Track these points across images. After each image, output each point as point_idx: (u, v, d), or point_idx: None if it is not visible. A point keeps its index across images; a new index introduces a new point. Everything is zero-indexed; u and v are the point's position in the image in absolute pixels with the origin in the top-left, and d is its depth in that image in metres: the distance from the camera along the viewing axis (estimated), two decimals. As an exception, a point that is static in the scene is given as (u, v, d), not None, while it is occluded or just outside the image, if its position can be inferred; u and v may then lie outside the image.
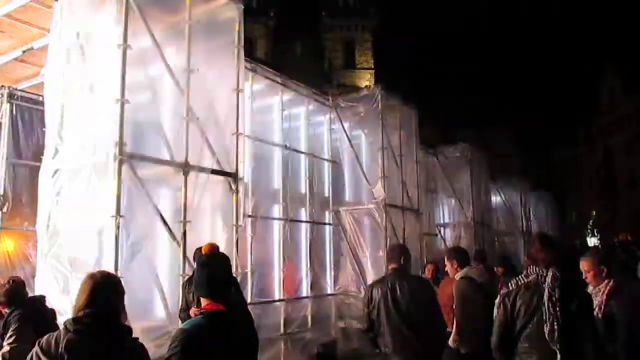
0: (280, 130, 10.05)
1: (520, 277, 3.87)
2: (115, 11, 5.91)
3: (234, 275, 4.77)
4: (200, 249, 5.67)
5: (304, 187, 10.58)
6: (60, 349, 2.52)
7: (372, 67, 66.69)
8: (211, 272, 2.90)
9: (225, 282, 2.93)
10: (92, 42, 6.10)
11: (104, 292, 2.71)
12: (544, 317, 3.55)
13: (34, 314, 4.38)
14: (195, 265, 5.81)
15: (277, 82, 10.12)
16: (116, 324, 2.71)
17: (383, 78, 59.05)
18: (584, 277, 4.44)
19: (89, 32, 6.14)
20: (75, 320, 2.63)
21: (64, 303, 5.35)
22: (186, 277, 6.02)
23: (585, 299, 3.88)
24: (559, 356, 3.50)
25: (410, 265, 5.18)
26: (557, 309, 3.52)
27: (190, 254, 6.00)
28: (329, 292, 10.61)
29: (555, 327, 3.50)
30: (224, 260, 3.09)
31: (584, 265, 4.47)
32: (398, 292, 4.73)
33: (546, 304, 3.55)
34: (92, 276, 2.81)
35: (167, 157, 6.36)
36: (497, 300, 3.89)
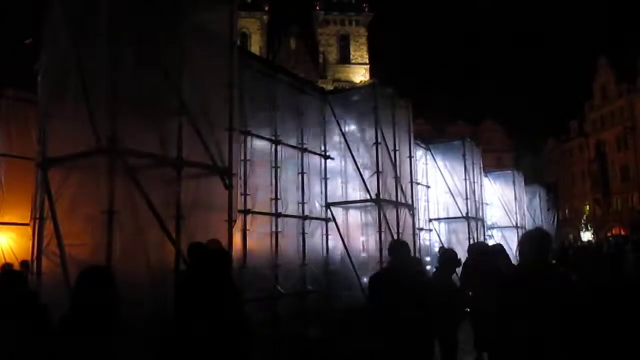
0: (274, 125, 10.04)
1: (513, 271, 3.90)
2: (107, 8, 5.88)
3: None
4: (196, 243, 5.71)
5: (297, 182, 10.58)
6: (55, 343, 2.54)
7: (367, 62, 66.65)
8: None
9: None
10: (85, 37, 6.07)
11: (95, 286, 2.72)
12: (537, 312, 3.58)
13: (23, 310, 4.34)
14: (189, 260, 5.86)
15: (271, 77, 10.09)
16: (107, 318, 2.71)
17: (378, 73, 59.05)
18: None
19: (83, 27, 6.11)
20: (69, 314, 2.65)
21: (59, 298, 5.35)
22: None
23: (577, 292, 3.91)
24: (551, 350, 3.52)
25: (408, 259, 5.51)
26: (548, 303, 3.55)
27: (184, 250, 6.00)
28: (322, 286, 10.62)
29: (547, 321, 3.53)
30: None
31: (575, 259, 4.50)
32: (398, 284, 5.00)
33: (537, 298, 3.58)
34: (84, 271, 2.81)
35: (160, 153, 6.35)
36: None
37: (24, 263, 7.16)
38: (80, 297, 2.67)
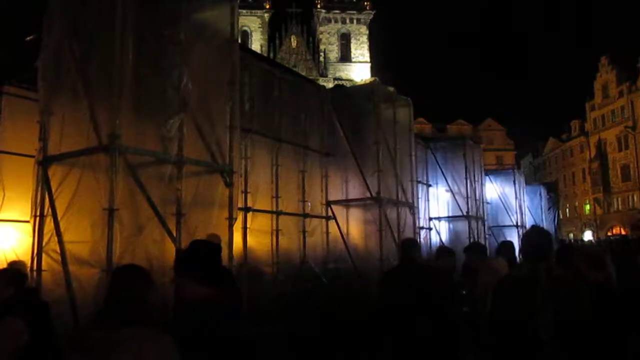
0: (275, 123, 10.03)
1: (513, 270, 3.90)
2: (107, 6, 5.86)
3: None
4: (195, 242, 5.70)
5: (298, 180, 10.57)
6: (81, 342, 2.55)
7: (368, 60, 66.63)
8: None
9: None
10: (86, 34, 6.06)
11: (124, 284, 2.73)
12: (536, 311, 3.57)
13: (20, 307, 4.32)
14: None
15: (272, 75, 10.08)
16: (135, 315, 2.67)
17: (379, 71, 59.06)
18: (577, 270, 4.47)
19: (83, 25, 6.10)
20: (100, 311, 2.67)
21: (59, 295, 5.36)
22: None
23: (577, 292, 3.90)
24: (550, 350, 3.51)
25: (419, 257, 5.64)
26: (548, 303, 3.54)
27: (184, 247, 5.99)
28: (323, 285, 10.61)
29: (547, 320, 3.52)
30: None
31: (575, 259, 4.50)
32: (409, 281, 5.07)
33: (538, 298, 3.57)
34: (115, 270, 2.85)
35: (161, 150, 6.34)
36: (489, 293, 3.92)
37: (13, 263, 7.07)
38: (119, 293, 2.68)
